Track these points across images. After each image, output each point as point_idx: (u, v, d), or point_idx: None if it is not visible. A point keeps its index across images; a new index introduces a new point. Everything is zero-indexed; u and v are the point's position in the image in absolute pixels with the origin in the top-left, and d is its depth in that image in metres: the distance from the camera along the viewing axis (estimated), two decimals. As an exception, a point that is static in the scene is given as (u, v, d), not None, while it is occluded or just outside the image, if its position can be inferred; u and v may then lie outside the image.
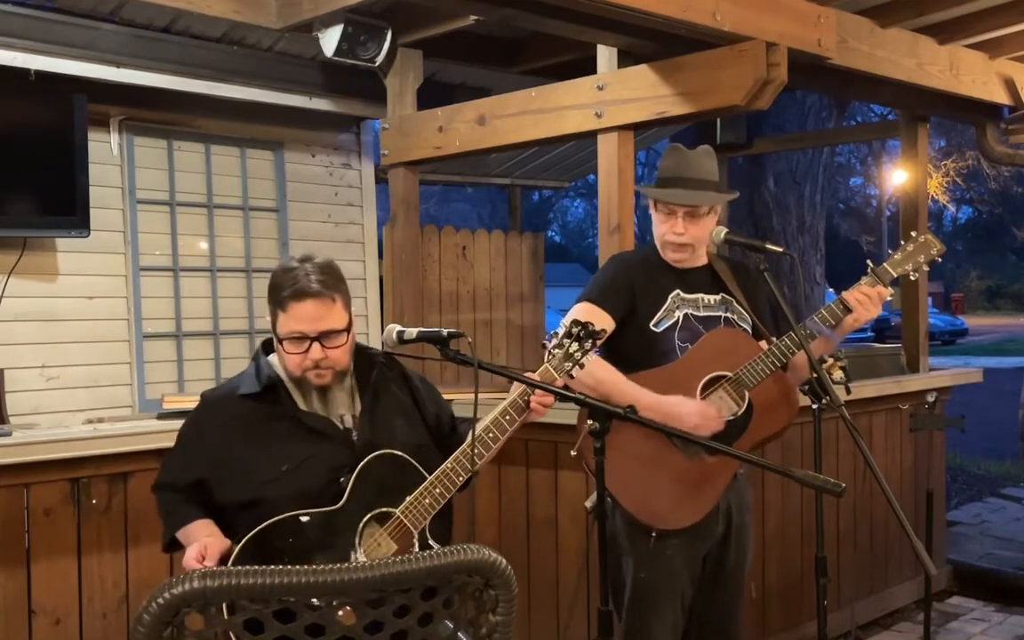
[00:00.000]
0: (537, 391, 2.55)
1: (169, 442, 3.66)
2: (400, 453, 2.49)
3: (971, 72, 5.11)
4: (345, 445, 2.50)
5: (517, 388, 2.58)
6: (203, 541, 2.41)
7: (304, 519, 2.40)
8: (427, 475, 2.48)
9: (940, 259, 3.18)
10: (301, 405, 2.55)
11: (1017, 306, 42.81)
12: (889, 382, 5.37)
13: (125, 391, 4.94)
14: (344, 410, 2.57)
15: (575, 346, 2.59)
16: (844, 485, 2.38)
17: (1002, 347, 27.08)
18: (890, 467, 5.33)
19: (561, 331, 2.61)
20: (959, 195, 33.33)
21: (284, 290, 2.48)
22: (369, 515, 2.43)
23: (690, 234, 3.10)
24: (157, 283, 5.08)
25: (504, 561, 1.83)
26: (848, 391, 3.36)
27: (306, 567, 1.72)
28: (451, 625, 1.86)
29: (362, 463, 2.45)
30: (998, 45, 5.09)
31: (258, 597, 1.68)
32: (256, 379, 2.56)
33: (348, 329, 2.52)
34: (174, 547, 2.61)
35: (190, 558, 2.38)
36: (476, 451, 2.45)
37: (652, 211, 3.18)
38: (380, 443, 2.50)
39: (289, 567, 1.70)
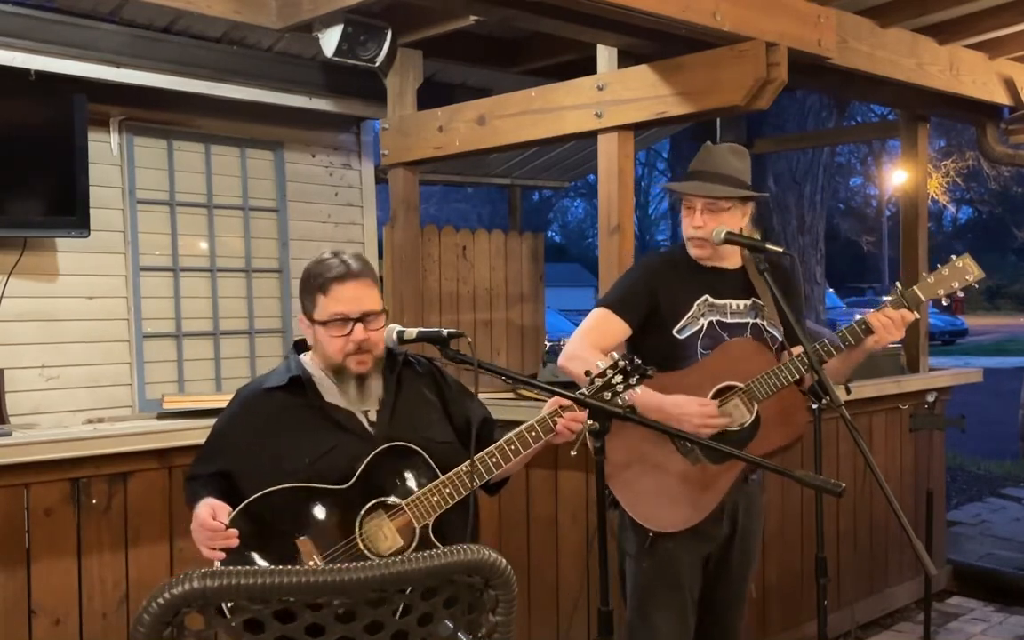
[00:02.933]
0: (567, 414, 2.57)
1: (169, 442, 3.73)
2: (416, 448, 2.52)
3: (971, 72, 5.11)
4: (364, 438, 2.54)
5: (549, 406, 2.60)
6: (211, 502, 2.44)
7: (308, 493, 2.44)
8: (440, 473, 2.50)
9: (977, 286, 2.98)
10: (326, 398, 2.59)
11: (1017, 306, 42.75)
12: (889, 382, 5.37)
13: (125, 391, 4.94)
14: (369, 405, 2.60)
15: (619, 378, 2.54)
16: (844, 485, 2.38)
17: (1002, 347, 27.05)
18: (890, 467, 5.33)
19: (608, 361, 2.56)
20: (959, 195, 33.29)
21: (326, 274, 2.54)
22: (375, 501, 2.46)
23: (709, 228, 3.08)
24: (157, 283, 5.08)
25: (504, 561, 1.83)
26: (848, 391, 3.35)
27: (306, 568, 1.72)
28: (451, 625, 1.86)
29: (376, 451, 2.49)
30: (998, 45, 5.09)
31: (258, 597, 1.68)
32: (285, 374, 2.62)
33: (383, 313, 2.58)
34: None
35: (204, 515, 2.40)
36: (495, 461, 2.52)
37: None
38: (398, 436, 2.54)
39: (289, 568, 1.70)
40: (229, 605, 1.73)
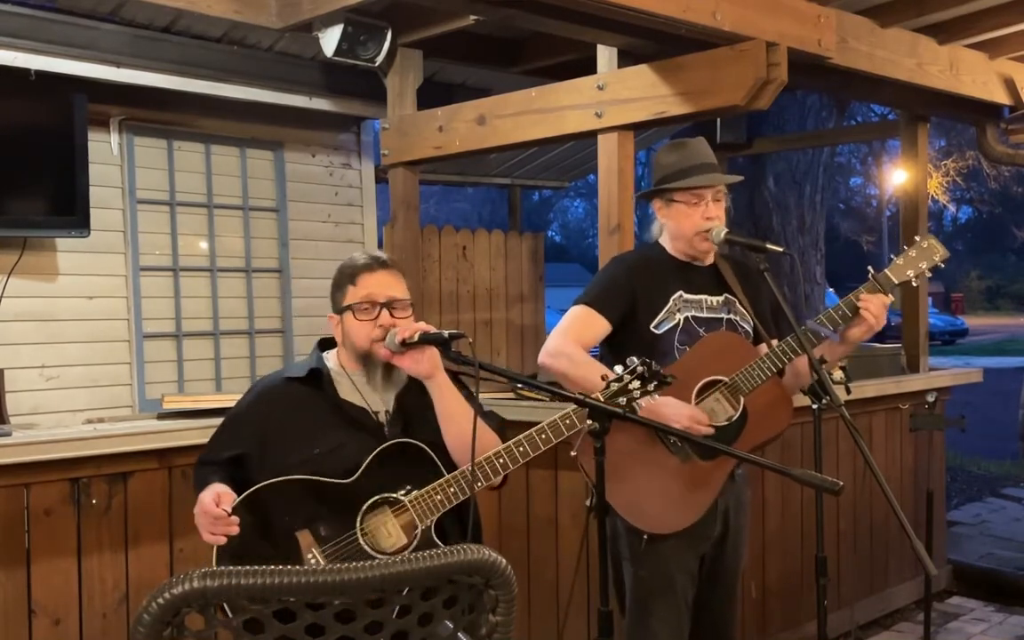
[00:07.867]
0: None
1: (169, 442, 3.72)
2: (422, 445, 2.53)
3: (971, 72, 5.10)
4: (376, 435, 2.56)
5: (562, 411, 2.59)
6: (216, 488, 2.45)
7: (312, 485, 2.46)
8: (445, 472, 2.51)
9: (943, 265, 3.07)
10: (342, 395, 2.61)
11: (1017, 306, 42.77)
12: (889, 382, 5.37)
13: (125, 391, 4.94)
14: (382, 405, 2.62)
15: (636, 384, 2.55)
16: (842, 483, 2.38)
17: (1002, 347, 27.07)
18: (890, 467, 5.33)
19: (627, 366, 2.56)
20: (959, 195, 33.28)
21: (356, 265, 2.61)
22: (377, 497, 2.47)
23: (718, 217, 3.09)
24: (157, 283, 5.08)
25: (504, 561, 1.82)
26: (848, 391, 3.35)
27: (305, 568, 1.72)
28: (451, 625, 1.86)
29: (382, 446, 2.50)
30: (998, 45, 5.09)
31: (258, 597, 1.68)
32: (305, 366, 2.67)
33: (412, 306, 2.64)
34: None
35: (207, 501, 2.40)
36: (501, 462, 2.51)
37: (665, 209, 3.14)
38: (411, 435, 2.55)
39: (289, 568, 1.70)
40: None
